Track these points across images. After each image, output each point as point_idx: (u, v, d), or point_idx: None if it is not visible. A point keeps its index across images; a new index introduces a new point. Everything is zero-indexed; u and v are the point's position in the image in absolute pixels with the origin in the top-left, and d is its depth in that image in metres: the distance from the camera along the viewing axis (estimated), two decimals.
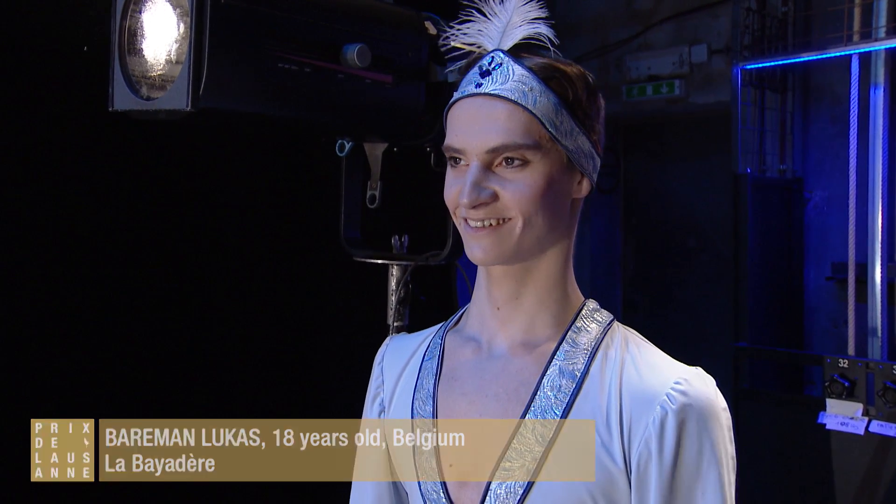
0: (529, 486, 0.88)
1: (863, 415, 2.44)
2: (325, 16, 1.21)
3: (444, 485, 0.93)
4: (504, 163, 0.88)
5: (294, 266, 2.47)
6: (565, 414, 0.89)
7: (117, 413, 2.06)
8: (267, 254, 2.42)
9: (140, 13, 1.18)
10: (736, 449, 0.91)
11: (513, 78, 0.88)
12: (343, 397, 2.49)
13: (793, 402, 2.77)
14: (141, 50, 1.18)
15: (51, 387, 1.95)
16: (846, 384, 2.46)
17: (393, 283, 1.46)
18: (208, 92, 1.09)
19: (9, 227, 1.89)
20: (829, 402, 2.50)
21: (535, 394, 0.90)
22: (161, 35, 1.15)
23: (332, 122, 1.33)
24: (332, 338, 2.52)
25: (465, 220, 0.90)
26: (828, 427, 2.50)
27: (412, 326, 1.44)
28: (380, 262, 1.47)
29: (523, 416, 0.90)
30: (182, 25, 1.12)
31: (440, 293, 2.67)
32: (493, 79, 0.88)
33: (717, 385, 0.92)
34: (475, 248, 0.89)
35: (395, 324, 1.44)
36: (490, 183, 0.87)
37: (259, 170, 2.37)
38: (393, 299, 1.45)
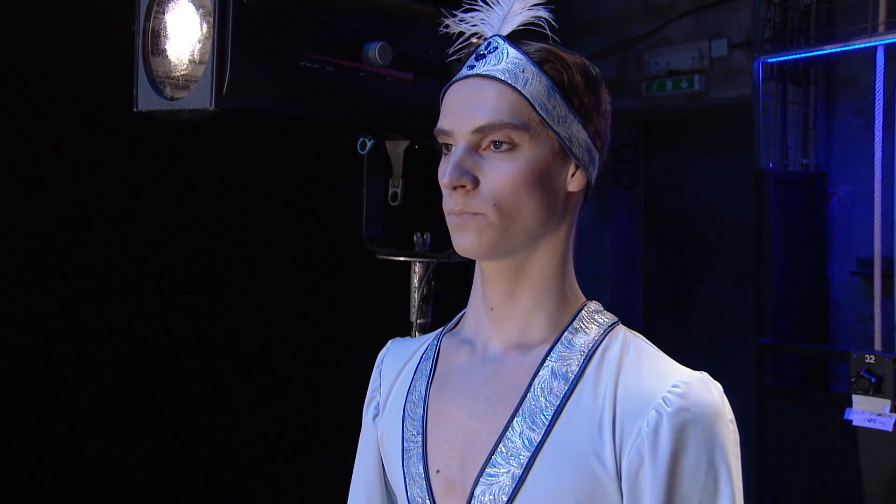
0: (515, 493, 0.83)
1: (891, 411, 2.41)
2: (346, 14, 1.22)
3: (430, 491, 0.88)
4: (492, 146, 0.84)
5: (316, 264, 2.48)
6: (555, 417, 0.83)
7: (140, 409, 2.08)
8: (289, 252, 2.43)
9: (163, 14, 1.18)
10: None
11: (506, 60, 0.85)
12: (365, 393, 2.50)
13: (818, 399, 2.73)
14: (164, 50, 1.18)
15: (76, 382, 1.97)
16: (873, 380, 2.43)
17: (415, 281, 1.46)
18: (231, 91, 1.09)
19: (35, 226, 1.91)
20: (856, 398, 2.47)
21: (524, 396, 0.85)
22: (184, 35, 1.16)
23: (354, 120, 1.33)
24: (355, 335, 2.53)
25: (448, 212, 0.87)
26: (854, 423, 2.47)
27: (435, 324, 1.44)
28: (402, 259, 1.47)
29: (511, 419, 0.85)
30: (205, 25, 1.13)
31: (462, 290, 2.66)
32: (486, 61, 0.86)
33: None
34: (458, 237, 0.86)
35: (418, 321, 1.44)
36: (475, 167, 0.84)
37: (281, 168, 2.38)
38: (416, 296, 1.45)
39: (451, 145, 0.87)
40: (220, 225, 2.26)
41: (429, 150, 1.45)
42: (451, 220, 0.87)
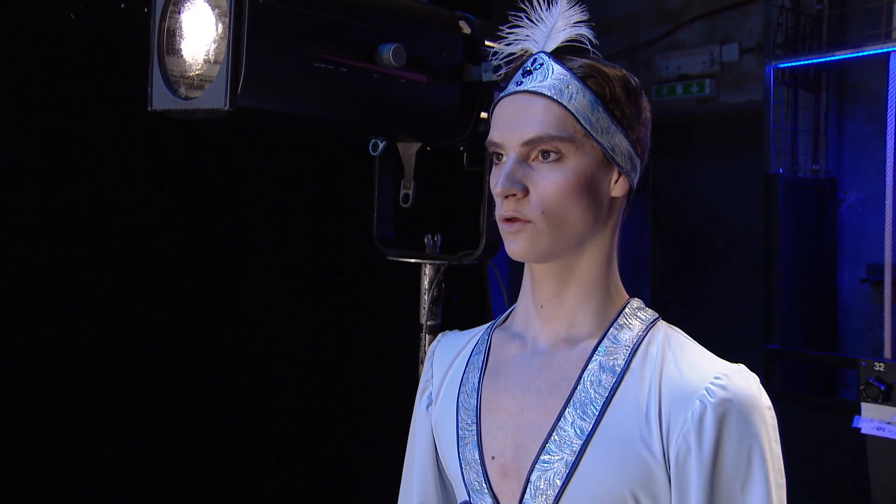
0: (569, 479, 0.89)
1: None
2: (360, 16, 1.22)
3: (486, 476, 0.95)
4: (540, 156, 0.91)
5: (327, 265, 2.48)
6: (605, 408, 0.90)
7: (148, 412, 2.08)
8: (300, 252, 2.43)
9: (179, 14, 1.19)
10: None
11: (552, 76, 0.92)
12: (376, 394, 2.50)
13: (826, 406, 2.72)
14: (180, 50, 1.19)
15: (86, 383, 1.98)
16: (882, 388, 2.42)
17: (426, 283, 1.46)
18: (246, 91, 1.09)
19: (45, 225, 1.92)
20: (865, 406, 2.46)
21: (575, 388, 0.92)
22: (199, 35, 1.16)
23: (367, 121, 1.33)
24: (365, 336, 2.53)
25: (501, 219, 0.93)
26: (863, 431, 2.46)
27: (445, 325, 1.44)
28: (413, 261, 1.47)
29: (563, 409, 0.92)
30: (220, 26, 1.13)
31: (472, 292, 2.67)
32: (533, 77, 0.93)
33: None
34: (511, 243, 0.92)
35: (428, 323, 1.44)
36: (525, 177, 0.91)
37: (293, 169, 2.39)
38: (426, 298, 1.45)
39: (503, 155, 0.94)
40: (230, 224, 2.27)
41: (441, 153, 1.45)
42: (503, 227, 0.93)
